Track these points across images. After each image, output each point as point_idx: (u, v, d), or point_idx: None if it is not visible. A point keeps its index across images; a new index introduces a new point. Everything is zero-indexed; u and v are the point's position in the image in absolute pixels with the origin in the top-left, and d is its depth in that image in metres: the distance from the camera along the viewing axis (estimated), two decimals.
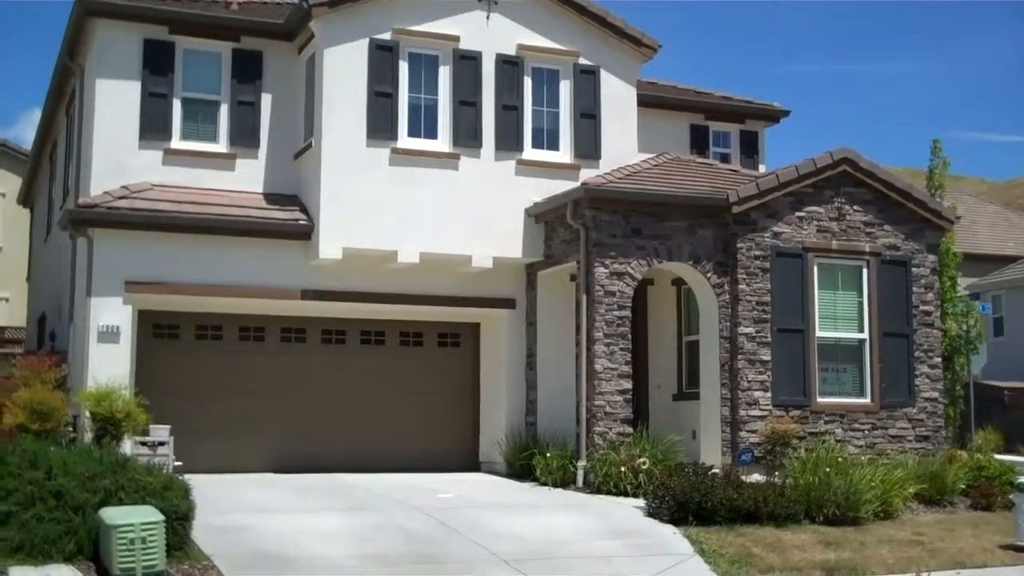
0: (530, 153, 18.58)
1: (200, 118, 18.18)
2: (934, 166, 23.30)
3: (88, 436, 15.05)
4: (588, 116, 18.88)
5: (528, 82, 18.65)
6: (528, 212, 18.37)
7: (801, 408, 17.57)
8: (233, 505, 13.89)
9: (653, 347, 19.96)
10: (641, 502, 15.02)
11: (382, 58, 17.71)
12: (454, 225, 17.87)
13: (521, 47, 18.53)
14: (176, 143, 17.88)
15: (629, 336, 17.16)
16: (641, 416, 18.23)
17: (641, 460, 15.97)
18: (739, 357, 17.35)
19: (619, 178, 18.00)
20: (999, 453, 19.47)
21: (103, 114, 17.49)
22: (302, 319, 18.43)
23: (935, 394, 18.54)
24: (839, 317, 18.17)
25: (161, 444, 15.47)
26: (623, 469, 15.94)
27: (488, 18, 18.41)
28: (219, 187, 17.89)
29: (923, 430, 18.28)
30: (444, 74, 18.18)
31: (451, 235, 17.85)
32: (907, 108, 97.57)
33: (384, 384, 18.77)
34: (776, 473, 16.08)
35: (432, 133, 18.08)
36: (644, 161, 19.13)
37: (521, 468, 17.63)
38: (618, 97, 19.03)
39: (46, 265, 23.82)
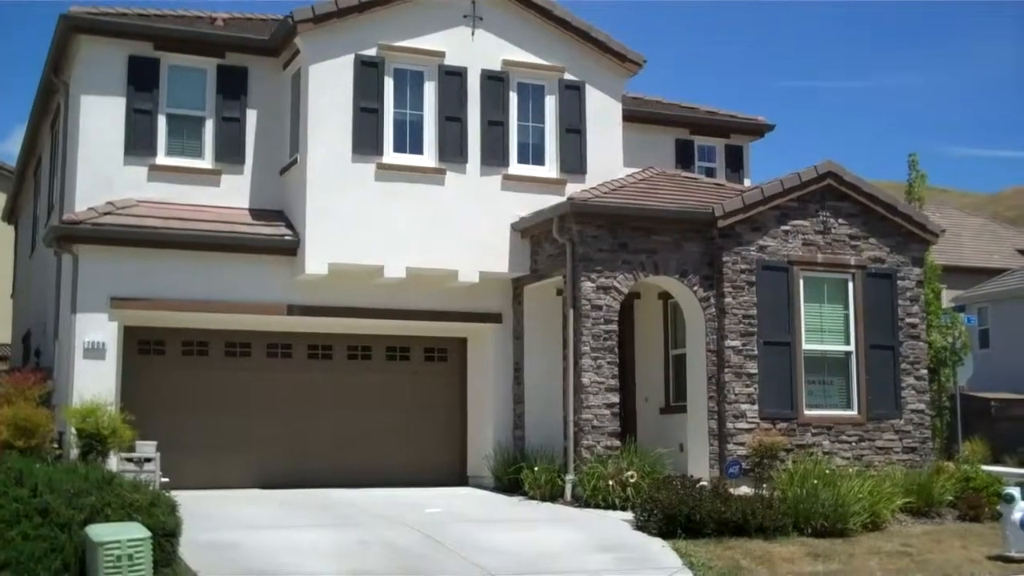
0: (516, 168, 18.62)
1: (185, 134, 18.18)
2: (912, 180, 23.52)
3: (74, 453, 14.96)
4: (573, 131, 18.94)
5: (513, 97, 18.70)
6: (514, 227, 18.39)
7: (788, 420, 17.60)
8: (220, 521, 13.82)
9: (640, 361, 19.98)
10: (629, 515, 15.01)
11: (367, 74, 17.74)
12: (440, 240, 17.88)
13: (506, 63, 18.58)
14: (161, 159, 17.86)
15: (616, 350, 17.18)
16: (629, 429, 18.22)
17: (629, 473, 15.97)
18: (726, 370, 17.38)
19: (605, 193, 18.04)
20: (986, 464, 19.52)
21: (88, 130, 17.46)
22: (288, 334, 18.39)
23: (921, 406, 18.60)
24: (825, 330, 18.22)
25: (147, 460, 15.39)
26: (611, 483, 15.93)
27: (473, 34, 18.46)
28: (205, 203, 17.87)
29: (910, 442, 18.34)
30: (430, 90, 18.21)
31: (437, 250, 17.86)
32: (893, 123, 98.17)
33: (371, 399, 18.73)
34: (764, 486, 16.09)
35: (418, 148, 18.10)
36: (630, 176, 19.18)
37: (509, 482, 17.62)
38: (603, 112, 19.10)
39: (31, 282, 23.72)
